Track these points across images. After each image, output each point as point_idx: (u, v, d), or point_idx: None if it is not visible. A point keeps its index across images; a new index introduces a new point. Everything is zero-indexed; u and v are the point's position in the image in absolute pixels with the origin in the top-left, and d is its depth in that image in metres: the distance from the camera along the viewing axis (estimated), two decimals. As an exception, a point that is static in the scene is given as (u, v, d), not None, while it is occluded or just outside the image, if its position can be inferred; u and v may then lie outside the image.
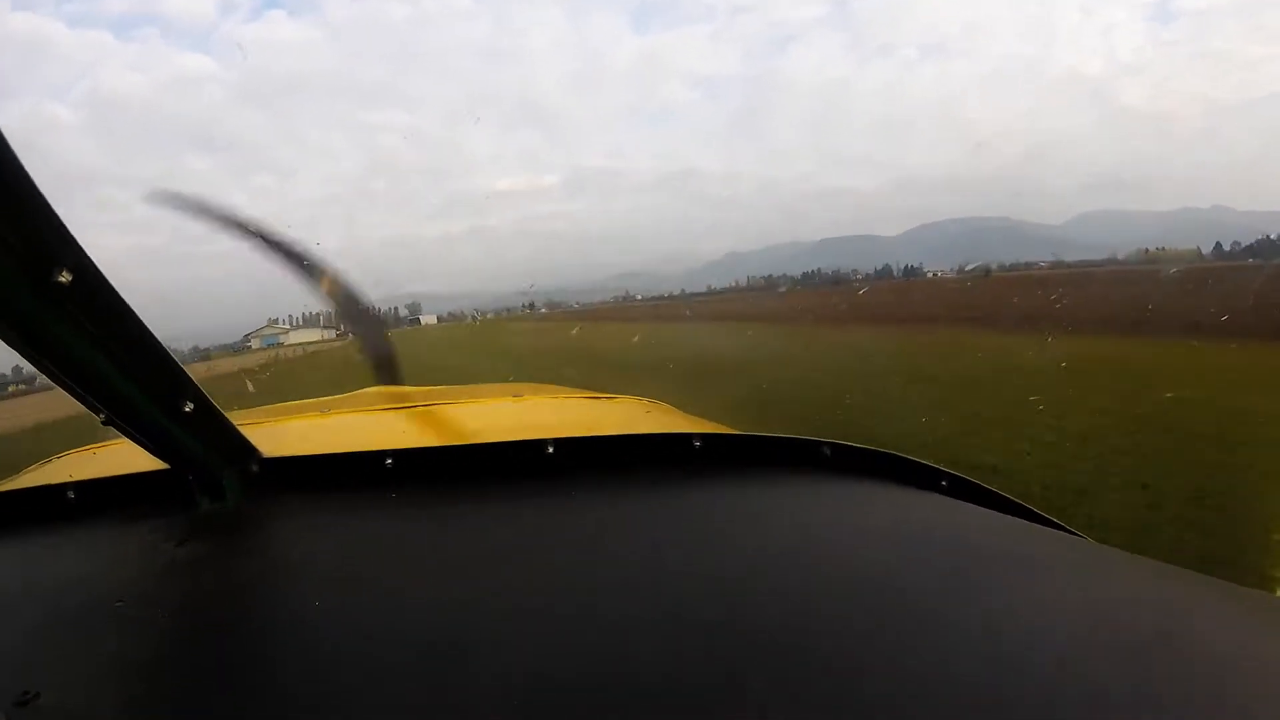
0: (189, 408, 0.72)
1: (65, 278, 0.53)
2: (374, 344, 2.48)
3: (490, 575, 0.68)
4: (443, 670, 0.53)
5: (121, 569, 0.74)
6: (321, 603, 0.64)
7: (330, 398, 1.88)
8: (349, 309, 2.46)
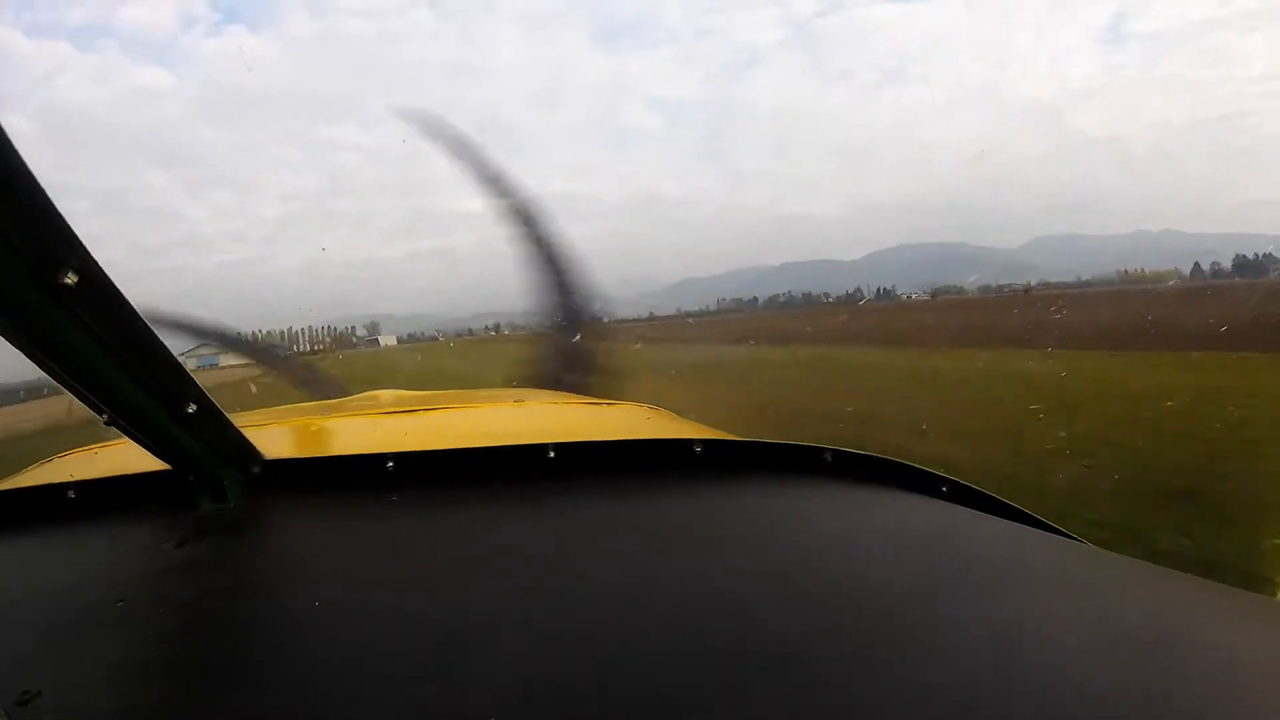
0: (192, 409, 0.72)
1: (71, 279, 0.54)
2: (307, 376, 2.54)
3: (490, 578, 0.69)
4: (442, 672, 0.53)
5: (122, 569, 0.74)
6: (322, 604, 0.64)
7: (332, 401, 1.87)
8: (565, 300, 2.39)
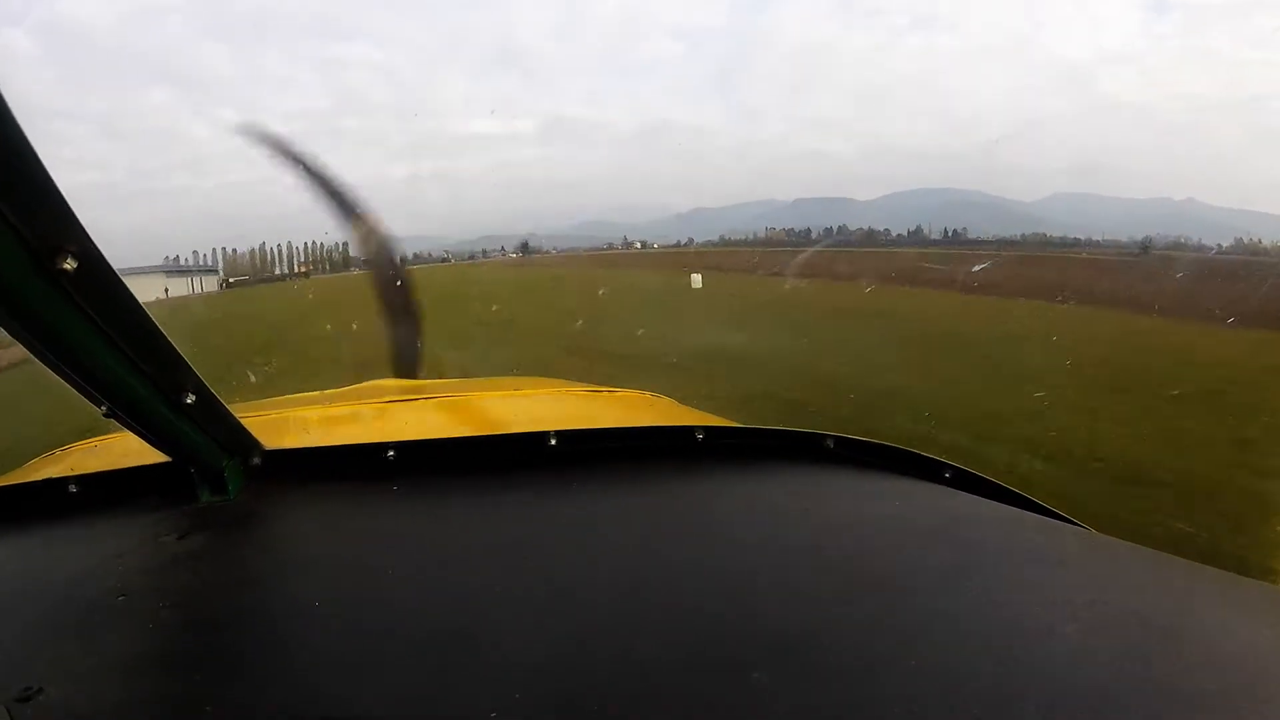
0: (191, 400, 0.71)
1: (69, 264, 0.52)
2: (400, 329, 2.23)
3: (492, 567, 0.69)
4: (445, 660, 0.53)
5: (123, 562, 0.74)
6: (324, 595, 0.64)
7: (333, 390, 1.86)
8: (386, 288, 2.28)
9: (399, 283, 2.36)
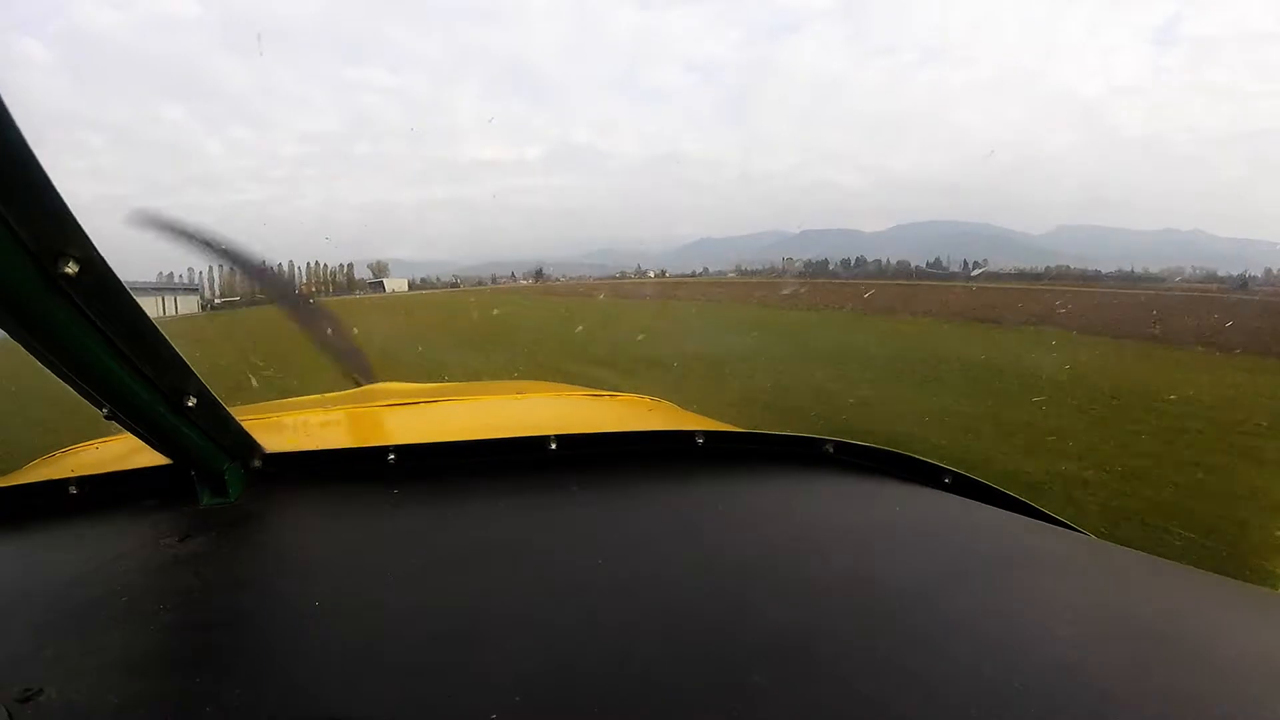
0: (192, 403, 0.71)
1: (71, 269, 0.52)
2: (332, 340, 2.24)
3: (492, 570, 0.69)
4: (445, 662, 0.53)
5: (125, 564, 0.74)
6: (324, 597, 0.64)
7: (333, 394, 1.84)
8: (297, 307, 2.35)
9: (307, 303, 2.44)
